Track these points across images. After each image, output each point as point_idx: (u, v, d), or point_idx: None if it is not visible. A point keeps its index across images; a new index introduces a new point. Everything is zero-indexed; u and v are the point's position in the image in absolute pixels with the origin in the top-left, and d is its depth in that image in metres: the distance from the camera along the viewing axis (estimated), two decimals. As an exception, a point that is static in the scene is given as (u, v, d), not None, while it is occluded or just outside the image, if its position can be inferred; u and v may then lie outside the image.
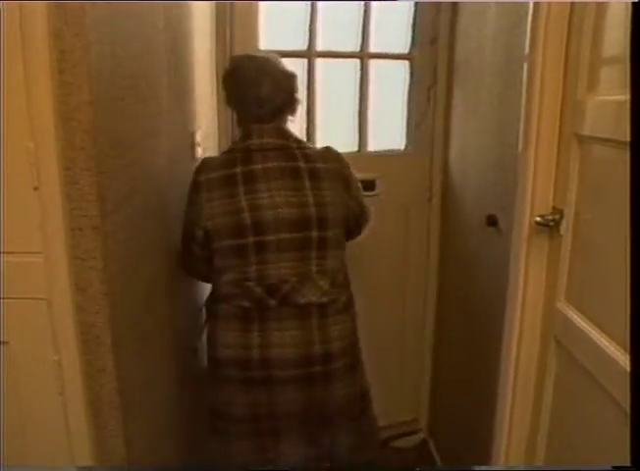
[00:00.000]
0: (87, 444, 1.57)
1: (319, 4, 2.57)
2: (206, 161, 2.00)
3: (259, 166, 1.92)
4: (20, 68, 1.32)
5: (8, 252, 1.43)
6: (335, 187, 1.98)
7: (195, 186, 1.95)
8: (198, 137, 2.29)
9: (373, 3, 2.62)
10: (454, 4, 2.60)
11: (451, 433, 2.81)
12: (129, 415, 1.61)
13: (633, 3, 1.14)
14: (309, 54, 2.62)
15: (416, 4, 2.68)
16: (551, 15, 1.54)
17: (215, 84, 2.58)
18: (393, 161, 2.86)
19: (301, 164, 1.95)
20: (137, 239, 1.68)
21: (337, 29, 2.68)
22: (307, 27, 2.60)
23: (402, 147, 2.88)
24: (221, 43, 2.56)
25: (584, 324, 1.46)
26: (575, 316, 1.52)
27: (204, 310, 2.13)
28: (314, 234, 1.93)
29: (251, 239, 1.90)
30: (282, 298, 1.93)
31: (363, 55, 2.69)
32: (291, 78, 2.00)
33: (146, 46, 1.73)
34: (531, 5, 1.61)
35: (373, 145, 2.82)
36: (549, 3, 1.54)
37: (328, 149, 2.05)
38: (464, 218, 2.53)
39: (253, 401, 2.00)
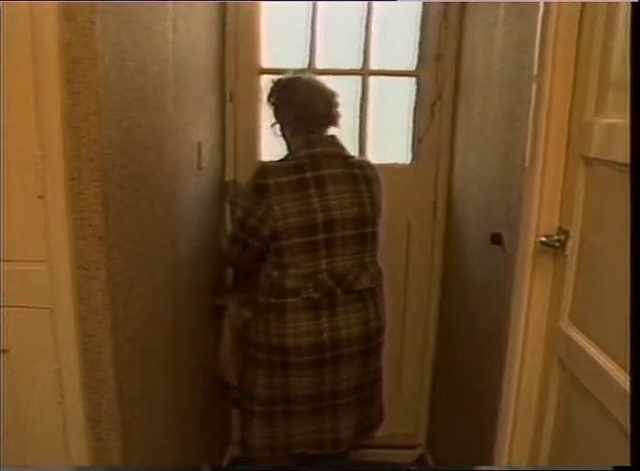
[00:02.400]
0: (86, 454, 1.57)
1: (322, 22, 2.65)
2: (269, 167, 2.22)
3: (327, 171, 2.20)
4: (29, 77, 1.33)
5: (11, 260, 1.43)
6: (377, 190, 2.32)
7: (261, 189, 2.15)
8: (204, 148, 2.30)
9: (379, 20, 2.65)
10: (461, 20, 2.60)
11: (449, 450, 2.79)
12: (127, 427, 1.61)
13: (633, 3, 1.16)
14: (310, 72, 2.64)
15: (423, 21, 2.69)
16: (559, 35, 1.54)
17: (220, 97, 2.62)
18: (397, 175, 2.85)
19: (357, 171, 2.27)
20: (141, 250, 1.68)
21: (340, 47, 2.75)
22: (308, 45, 2.68)
23: (408, 162, 2.88)
24: (227, 58, 2.67)
25: (587, 345, 1.46)
26: (578, 337, 1.51)
27: (255, 306, 2.29)
28: (369, 229, 2.27)
29: (321, 236, 2.16)
30: (346, 287, 2.22)
31: (364, 72, 2.73)
32: (336, 95, 2.32)
33: (154, 57, 1.73)
34: (539, 24, 1.61)
35: (378, 158, 2.81)
36: (557, 23, 1.54)
37: (365, 158, 2.49)
38: (468, 235, 2.53)
39: (320, 381, 2.25)
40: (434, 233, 2.90)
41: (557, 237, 1.59)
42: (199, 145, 2.25)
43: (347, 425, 2.35)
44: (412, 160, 2.87)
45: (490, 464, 1.93)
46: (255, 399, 2.31)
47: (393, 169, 2.86)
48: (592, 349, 1.43)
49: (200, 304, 2.41)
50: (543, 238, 1.60)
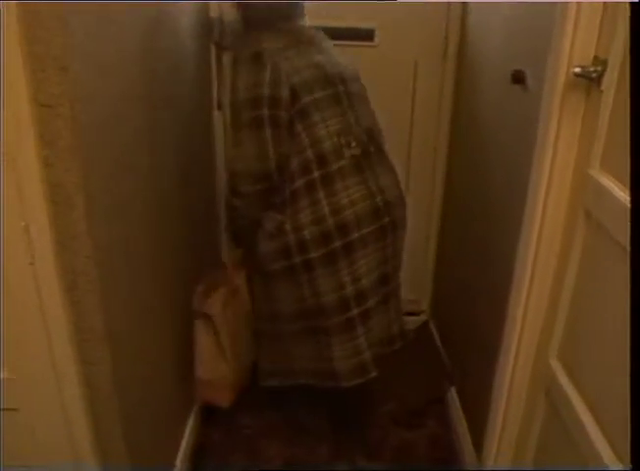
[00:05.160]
0: (63, 317, 1.43)
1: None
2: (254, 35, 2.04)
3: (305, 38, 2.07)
4: None
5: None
6: None
7: (258, 56, 1.91)
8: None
9: None
10: None
11: (454, 316, 2.71)
12: (106, 286, 1.46)
13: (632, 3, 1.11)
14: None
15: None
16: None
17: None
18: (402, 10, 2.57)
19: None
20: (112, 85, 1.47)
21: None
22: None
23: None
24: None
25: (622, 193, 1.29)
26: (612, 184, 1.33)
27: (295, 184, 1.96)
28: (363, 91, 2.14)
29: (341, 88, 2.00)
30: (376, 144, 2.08)
31: None
32: None
33: None
34: None
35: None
36: None
37: None
38: (483, 75, 2.30)
39: (384, 257, 2.09)
40: (443, 73, 2.67)
41: (593, 68, 1.37)
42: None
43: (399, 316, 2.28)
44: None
45: (500, 331, 1.81)
46: (325, 311, 2.03)
47: (396, 3, 2.57)
48: (627, 198, 1.25)
49: (183, 147, 2.20)
50: (576, 69, 1.38)
